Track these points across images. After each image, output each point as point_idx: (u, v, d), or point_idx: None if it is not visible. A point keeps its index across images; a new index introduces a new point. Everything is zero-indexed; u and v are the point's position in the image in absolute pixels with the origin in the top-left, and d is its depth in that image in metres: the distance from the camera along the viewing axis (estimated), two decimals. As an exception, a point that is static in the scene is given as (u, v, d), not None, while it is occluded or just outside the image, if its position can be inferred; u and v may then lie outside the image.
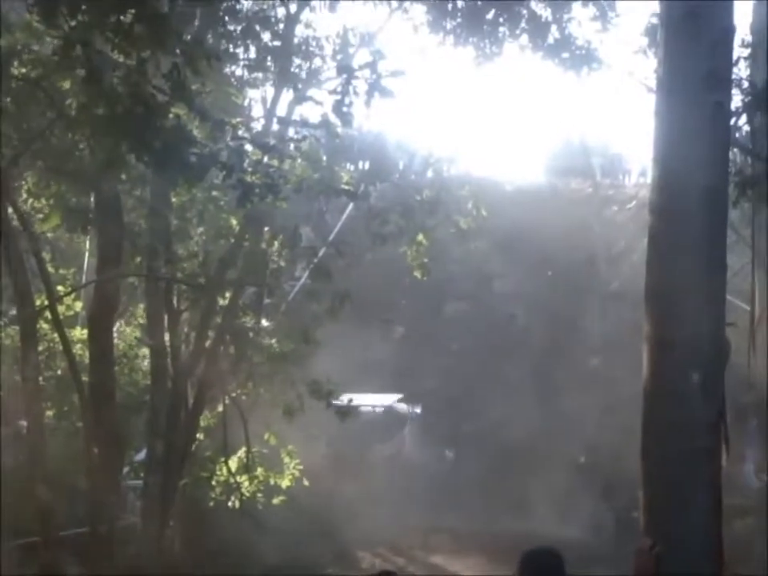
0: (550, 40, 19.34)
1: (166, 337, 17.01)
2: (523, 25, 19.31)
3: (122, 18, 9.34)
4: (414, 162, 22.35)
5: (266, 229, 18.30)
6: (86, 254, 21.17)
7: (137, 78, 9.19)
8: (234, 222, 18.20)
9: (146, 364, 18.87)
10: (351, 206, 21.72)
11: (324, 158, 18.28)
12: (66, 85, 11.28)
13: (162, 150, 9.29)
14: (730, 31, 9.79)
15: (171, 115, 9.48)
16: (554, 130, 41.05)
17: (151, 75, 9.38)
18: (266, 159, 13.08)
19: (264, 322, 19.95)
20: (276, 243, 18.70)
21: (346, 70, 13.94)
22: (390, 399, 27.31)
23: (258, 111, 20.29)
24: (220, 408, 19.12)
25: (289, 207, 16.79)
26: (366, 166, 22.02)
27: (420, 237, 20.32)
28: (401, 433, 27.85)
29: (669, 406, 8.99)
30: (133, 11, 9.31)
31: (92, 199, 14.98)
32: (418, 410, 28.53)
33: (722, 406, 9.05)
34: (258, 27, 18.70)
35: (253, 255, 18.00)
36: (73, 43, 9.47)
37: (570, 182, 35.97)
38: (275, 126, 18.12)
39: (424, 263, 20.75)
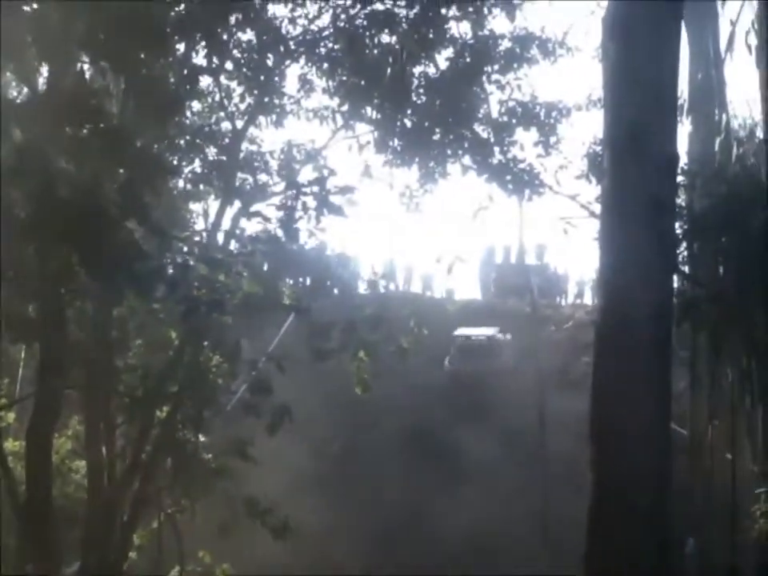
0: (494, 162, 19.83)
1: (103, 450, 16.77)
2: (467, 146, 19.86)
3: (77, 132, 9.49)
4: (357, 279, 22.51)
5: (206, 342, 18.25)
6: (21, 364, 20.90)
7: (91, 190, 9.27)
8: (173, 334, 18.13)
9: (79, 477, 18.58)
10: (291, 319, 21.73)
11: (266, 272, 18.43)
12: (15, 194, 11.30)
13: (113, 263, 9.35)
14: (674, 158, 10.14)
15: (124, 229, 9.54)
16: (494, 248, 41.51)
17: (105, 188, 9.47)
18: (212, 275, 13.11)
19: (201, 437, 19.75)
20: (216, 356, 18.63)
21: (294, 186, 14.08)
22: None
23: (199, 224, 20.52)
24: (155, 524, 18.82)
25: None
26: (308, 281, 22.06)
27: (361, 353, 20.37)
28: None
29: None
30: (89, 125, 9.46)
31: (33, 309, 14.89)
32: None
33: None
34: (203, 141, 19.07)
35: (192, 368, 17.89)
36: (26, 154, 9.58)
37: (509, 301, 36.48)
38: (220, 240, 18.20)
39: (365, 379, 20.77)
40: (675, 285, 14.41)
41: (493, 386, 31.07)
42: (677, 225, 14.56)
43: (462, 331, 34.48)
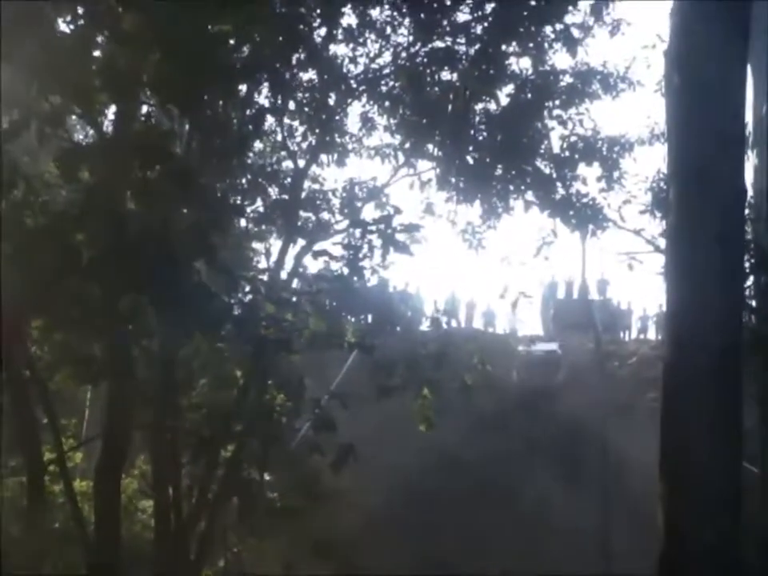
0: (556, 197, 19.84)
1: (169, 489, 16.91)
2: (529, 181, 19.88)
3: (145, 173, 9.67)
4: (419, 316, 22.56)
5: (270, 381, 18.38)
6: (87, 404, 21.19)
7: (159, 231, 9.44)
8: (238, 373, 18.27)
9: (146, 516, 18.74)
10: (353, 356, 21.85)
11: (330, 310, 18.56)
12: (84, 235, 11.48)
13: (181, 303, 9.48)
14: (741, 193, 10.06)
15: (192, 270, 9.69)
16: (556, 284, 41.35)
17: (173, 229, 9.62)
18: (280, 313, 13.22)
19: (267, 476, 19.87)
20: (280, 395, 18.74)
21: (359, 224, 14.17)
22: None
23: (262, 263, 20.73)
24: (222, 563, 18.92)
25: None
26: (370, 318, 22.13)
27: (425, 390, 20.40)
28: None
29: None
30: (157, 166, 9.64)
31: (99, 349, 15.09)
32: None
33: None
34: (265, 181, 19.29)
35: (257, 407, 18.00)
36: (94, 196, 9.78)
37: (572, 337, 36.32)
38: (283, 278, 18.35)
39: (428, 416, 20.78)
40: (744, 320, 14.31)
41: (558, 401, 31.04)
42: (744, 259, 14.45)
43: (524, 347, 35.43)
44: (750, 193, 18.21)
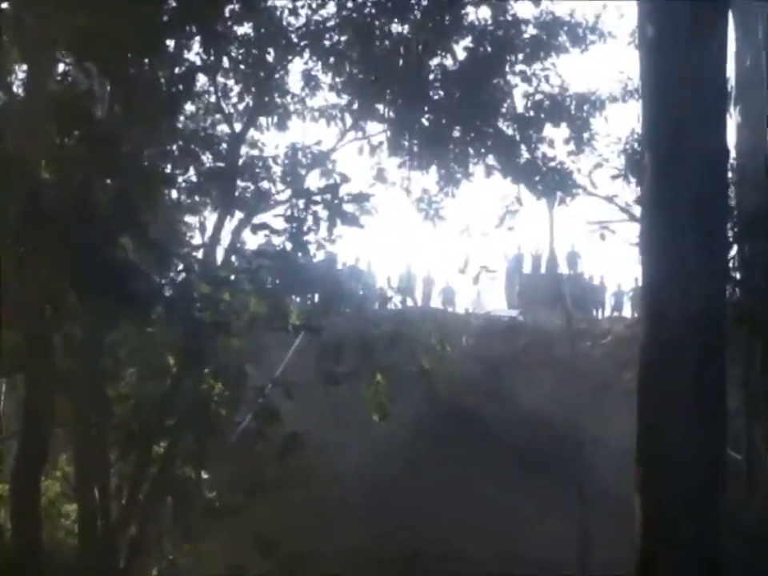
0: (521, 161, 19.87)
1: (95, 491, 16.79)
2: (490, 144, 19.88)
3: (63, 139, 9.55)
4: (371, 294, 22.55)
5: (207, 368, 18.28)
6: (1, 398, 20.92)
7: (79, 203, 9.31)
8: (170, 360, 18.14)
9: (69, 522, 18.60)
10: (299, 340, 21.79)
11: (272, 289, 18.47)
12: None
13: (106, 283, 9.38)
14: (722, 153, 10.08)
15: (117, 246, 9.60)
16: (522, 257, 41.45)
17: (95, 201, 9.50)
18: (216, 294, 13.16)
19: (204, 474, 19.78)
20: (218, 384, 18.65)
21: (303, 194, 14.15)
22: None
23: (196, 239, 20.59)
24: (155, 572, 18.83)
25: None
26: (317, 297, 22.08)
27: (378, 376, 20.39)
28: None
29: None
30: (75, 131, 9.52)
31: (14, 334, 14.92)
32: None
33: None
34: (198, 147, 19.12)
35: (193, 397, 17.91)
36: (5, 165, 9.64)
37: (539, 314, 36.48)
38: (219, 256, 18.26)
39: (382, 404, 20.76)
40: (727, 293, 14.43)
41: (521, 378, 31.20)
42: (727, 226, 14.54)
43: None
44: (733, 154, 18.30)
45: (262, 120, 19.90)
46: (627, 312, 39.20)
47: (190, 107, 19.82)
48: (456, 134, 19.65)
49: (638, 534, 9.56)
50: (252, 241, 18.85)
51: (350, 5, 19.28)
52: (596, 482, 26.35)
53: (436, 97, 19.83)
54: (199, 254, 18.07)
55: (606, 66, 47.86)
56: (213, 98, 19.62)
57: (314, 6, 19.38)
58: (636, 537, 9.61)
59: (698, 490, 9.40)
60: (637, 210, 20.12)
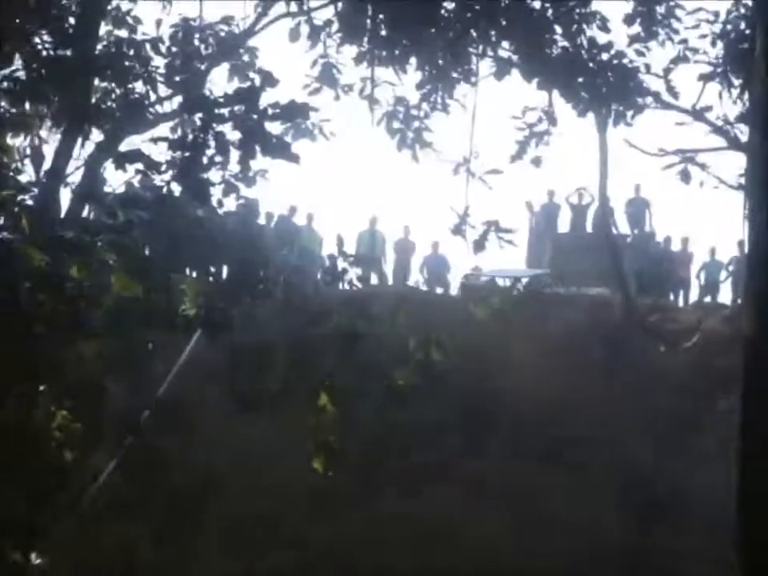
0: (554, 52, 19.72)
1: None
2: (504, 24, 19.62)
3: None
4: (315, 265, 22.49)
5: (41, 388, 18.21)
6: None
7: None
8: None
9: None
10: (196, 340, 21.73)
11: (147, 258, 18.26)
12: None
13: None
14: None
15: None
16: (557, 208, 41.64)
17: None
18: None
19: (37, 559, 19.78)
20: (62, 413, 18.57)
21: (201, 104, 13.88)
22: None
23: (25, 174, 20.32)
24: None
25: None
26: (225, 272, 22.05)
27: (322, 398, 20.34)
28: None
29: None
30: None
31: None
32: None
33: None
34: (28, 24, 18.90)
35: (18, 437, 17.78)
36: None
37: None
38: (64, 203, 18.08)
39: (328, 445, 20.72)
40: None
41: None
42: None
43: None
44: None
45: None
46: (725, 296, 39.34)
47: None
48: (449, 5, 19.38)
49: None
50: (117, 179, 18.55)
51: None
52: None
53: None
54: (28, 200, 17.74)
55: None
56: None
57: None
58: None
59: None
60: (743, 133, 19.90)
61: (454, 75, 20.26)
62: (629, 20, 20.36)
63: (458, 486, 32.40)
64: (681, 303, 39.63)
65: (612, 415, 30.98)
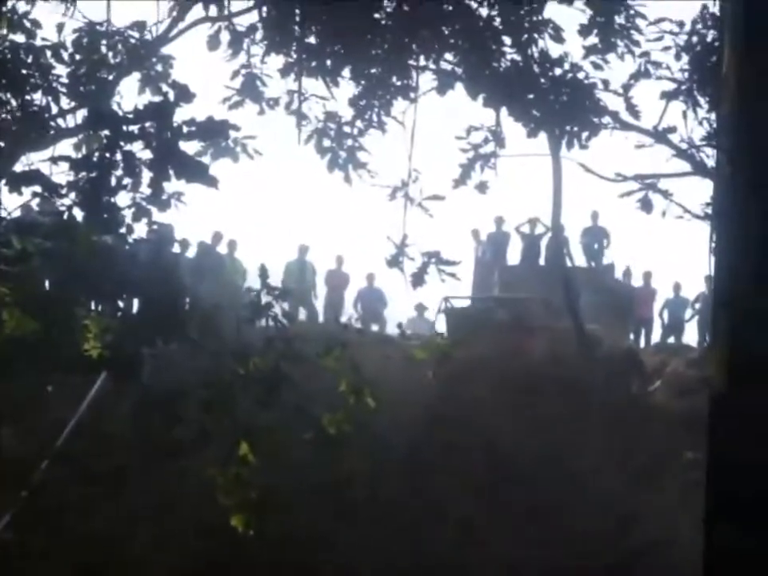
0: (501, 66, 19.71)
1: None
2: (449, 33, 19.63)
3: None
4: (235, 297, 22.29)
5: None
6: None
7: None
8: None
9: None
10: (101, 382, 21.69)
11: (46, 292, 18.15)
12: None
13: None
14: None
15: None
16: (506, 237, 41.84)
17: None
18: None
19: None
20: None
21: (108, 120, 13.60)
22: None
23: None
24: None
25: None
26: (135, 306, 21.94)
27: (243, 447, 20.16)
28: None
29: None
30: None
31: None
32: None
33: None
34: None
35: None
36: None
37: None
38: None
39: (246, 502, 20.55)
40: None
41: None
42: None
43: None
44: None
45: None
46: (691, 335, 39.53)
47: None
48: (387, 8, 19.30)
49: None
50: (12, 203, 18.37)
51: None
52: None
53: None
54: None
55: None
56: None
57: None
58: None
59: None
60: (709, 157, 19.85)
61: (392, 89, 20.23)
62: (585, 30, 20.34)
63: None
64: (642, 344, 39.70)
65: (566, 458, 31.04)
